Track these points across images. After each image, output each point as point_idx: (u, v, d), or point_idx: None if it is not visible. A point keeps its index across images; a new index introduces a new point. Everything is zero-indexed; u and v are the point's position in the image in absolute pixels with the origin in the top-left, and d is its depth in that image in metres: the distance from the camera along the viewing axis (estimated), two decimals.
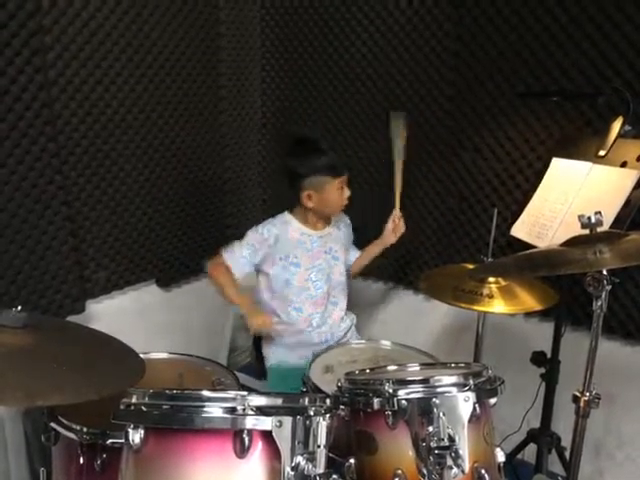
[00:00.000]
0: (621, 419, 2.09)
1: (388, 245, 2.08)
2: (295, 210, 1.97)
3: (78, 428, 1.28)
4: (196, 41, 2.30)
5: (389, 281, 2.54)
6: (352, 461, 1.25)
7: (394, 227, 2.02)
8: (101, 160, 2.07)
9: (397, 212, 2.01)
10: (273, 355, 2.01)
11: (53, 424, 1.32)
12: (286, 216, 1.96)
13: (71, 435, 1.29)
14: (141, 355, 1.31)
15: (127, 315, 2.27)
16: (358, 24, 2.32)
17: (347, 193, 1.91)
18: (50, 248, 1.94)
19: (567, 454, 1.59)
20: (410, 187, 2.05)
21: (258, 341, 2.14)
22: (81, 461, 1.29)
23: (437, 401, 1.16)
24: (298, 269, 1.93)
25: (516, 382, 2.00)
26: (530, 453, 2.11)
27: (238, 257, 1.91)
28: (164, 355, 1.69)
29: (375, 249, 2.11)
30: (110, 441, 1.24)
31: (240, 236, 1.96)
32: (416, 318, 2.47)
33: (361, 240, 2.18)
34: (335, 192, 1.88)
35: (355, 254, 2.15)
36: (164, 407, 0.99)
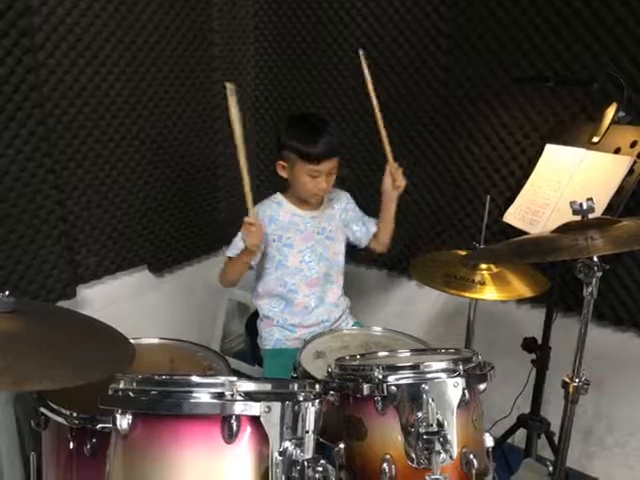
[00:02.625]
0: (611, 404, 2.12)
1: (395, 200, 1.95)
2: (287, 191, 1.94)
3: (68, 413, 1.27)
4: (187, 23, 2.26)
5: (382, 267, 2.54)
6: (341, 446, 1.26)
7: (393, 180, 1.92)
8: (91, 144, 2.05)
9: (391, 163, 1.90)
10: (272, 337, 2.00)
11: (43, 409, 1.31)
12: (278, 197, 1.94)
13: (61, 420, 1.28)
14: (132, 340, 1.31)
15: (118, 300, 2.26)
16: (352, 7, 2.29)
17: (323, 184, 1.81)
18: (40, 232, 1.92)
19: (556, 439, 1.60)
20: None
21: (251, 327, 2.14)
22: (71, 446, 1.29)
23: (426, 387, 1.16)
24: (292, 250, 1.91)
25: (507, 368, 2.02)
26: (520, 438, 2.14)
27: (234, 245, 1.87)
28: (155, 340, 1.68)
29: (388, 209, 1.98)
30: (100, 426, 1.23)
31: (232, 220, 1.95)
32: (408, 304, 2.48)
33: None
34: (304, 176, 1.80)
35: (371, 227, 2.04)
36: (152, 393, 0.98)
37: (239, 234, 1.84)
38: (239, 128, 1.65)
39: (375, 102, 1.83)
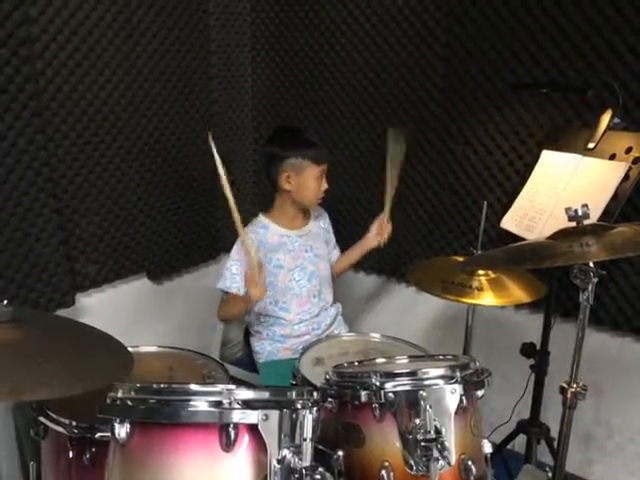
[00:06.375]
0: (611, 409, 2.11)
1: (369, 249, 2.04)
2: (270, 211, 1.97)
3: (67, 422, 1.28)
4: (185, 31, 2.28)
5: (380, 274, 2.54)
6: (340, 453, 1.25)
7: (379, 231, 1.99)
8: (90, 152, 2.05)
9: (385, 216, 1.98)
10: (263, 351, 2.01)
11: (42, 418, 1.31)
12: (263, 220, 1.96)
13: (60, 429, 1.28)
14: (130, 349, 1.31)
15: (118, 308, 2.26)
16: (349, 15, 2.30)
17: (325, 186, 1.91)
18: (39, 241, 1.93)
19: (556, 444, 1.60)
20: (400, 180, 2.04)
21: (249, 335, 2.14)
22: (70, 455, 1.29)
23: (424, 393, 1.17)
24: (281, 270, 1.94)
25: (506, 373, 2.03)
26: (520, 444, 2.13)
27: (231, 278, 1.90)
28: (154, 349, 1.68)
29: (355, 253, 2.08)
30: (99, 435, 1.24)
31: (229, 228, 1.95)
32: (407, 310, 2.48)
33: (343, 240, 2.17)
34: (313, 179, 1.87)
35: (334, 256, 2.13)
36: (150, 401, 0.99)
37: (232, 267, 1.88)
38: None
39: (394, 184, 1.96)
